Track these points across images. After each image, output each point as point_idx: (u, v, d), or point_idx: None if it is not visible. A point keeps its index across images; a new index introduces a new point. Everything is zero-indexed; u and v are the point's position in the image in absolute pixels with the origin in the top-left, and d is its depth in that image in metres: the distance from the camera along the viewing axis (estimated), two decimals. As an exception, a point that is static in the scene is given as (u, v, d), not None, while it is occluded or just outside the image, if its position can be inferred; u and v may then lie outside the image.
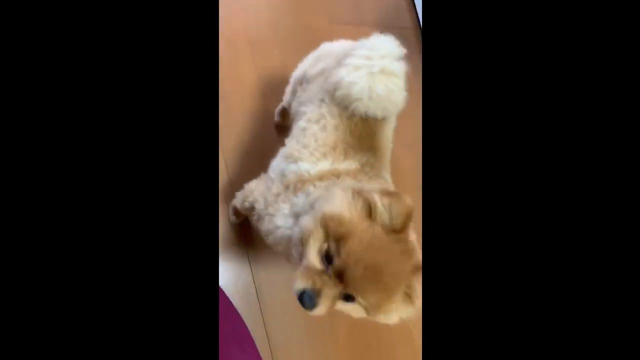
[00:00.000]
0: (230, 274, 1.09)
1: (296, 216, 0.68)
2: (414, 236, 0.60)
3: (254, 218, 0.82)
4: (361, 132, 0.77)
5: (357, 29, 1.57)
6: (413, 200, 0.59)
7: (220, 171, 1.15)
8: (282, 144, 0.86)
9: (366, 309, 0.58)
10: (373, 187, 0.66)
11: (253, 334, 0.74)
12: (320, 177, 0.72)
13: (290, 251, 0.67)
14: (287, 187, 0.75)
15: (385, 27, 1.06)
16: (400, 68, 0.77)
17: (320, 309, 0.57)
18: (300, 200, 0.71)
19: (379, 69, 0.74)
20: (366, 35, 0.82)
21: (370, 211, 0.57)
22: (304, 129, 0.81)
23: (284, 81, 1.32)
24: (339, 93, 0.77)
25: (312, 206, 0.64)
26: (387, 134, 0.83)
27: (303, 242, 0.60)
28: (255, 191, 0.84)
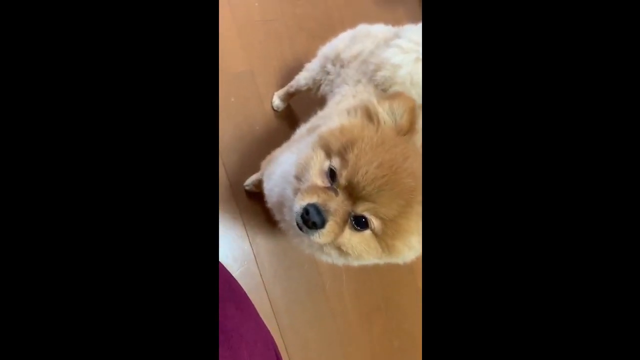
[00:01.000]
0: (228, 244, 1.06)
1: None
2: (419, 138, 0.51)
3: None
4: None
5: (341, -23, 1.48)
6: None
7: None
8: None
9: (382, 236, 0.48)
10: (368, 98, 0.61)
11: (255, 301, 0.72)
12: None
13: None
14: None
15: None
16: None
17: (330, 230, 0.48)
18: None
19: None
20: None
21: (372, 118, 0.51)
22: (338, 103, 0.76)
23: (266, 37, 1.25)
24: (381, 74, 0.72)
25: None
26: None
27: (301, 170, 0.51)
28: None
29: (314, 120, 0.77)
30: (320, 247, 0.56)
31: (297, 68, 1.29)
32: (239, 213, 1.08)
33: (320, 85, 0.95)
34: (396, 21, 1.56)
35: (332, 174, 0.50)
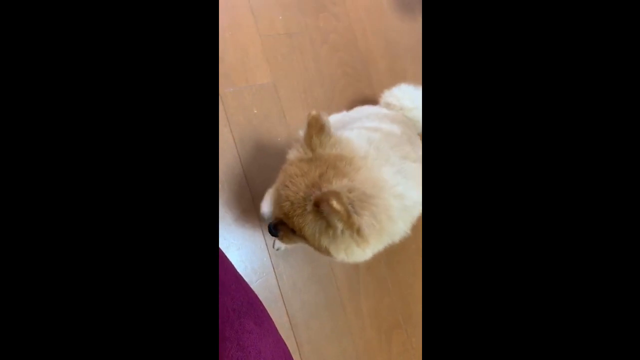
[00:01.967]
0: (247, 255, 1.06)
1: None
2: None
3: None
4: None
5: (365, -10, 1.48)
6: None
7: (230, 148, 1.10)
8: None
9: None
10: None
11: (273, 314, 0.72)
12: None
13: None
14: None
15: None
16: None
17: (282, 237, 0.71)
18: None
19: None
20: None
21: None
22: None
23: (290, 50, 1.26)
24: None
25: None
26: None
27: None
28: None
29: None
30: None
31: (319, 81, 1.29)
32: (259, 224, 1.08)
33: None
34: (418, 32, 1.56)
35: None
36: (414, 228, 1.35)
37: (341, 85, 1.33)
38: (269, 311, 0.74)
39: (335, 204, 0.54)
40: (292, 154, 0.68)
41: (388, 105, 1.07)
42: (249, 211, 1.07)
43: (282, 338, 0.71)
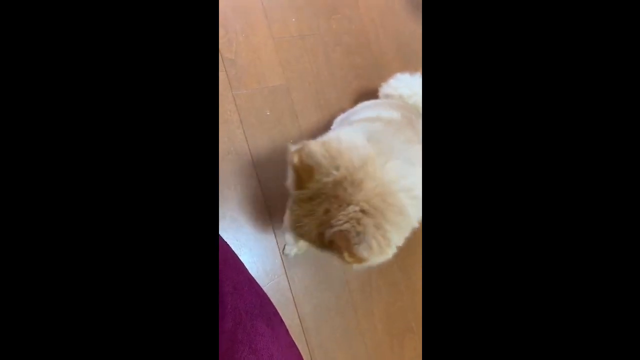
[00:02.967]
0: (259, 256, 1.06)
1: None
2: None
3: None
4: None
5: (378, -8, 1.48)
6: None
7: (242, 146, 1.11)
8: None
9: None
10: None
11: (284, 317, 0.71)
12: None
13: None
14: None
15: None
16: None
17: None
18: None
19: None
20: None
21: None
22: None
23: (302, 52, 1.26)
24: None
25: None
26: None
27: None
28: None
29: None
30: None
31: (331, 83, 1.29)
32: (272, 225, 1.08)
33: None
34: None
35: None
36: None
37: (353, 88, 1.32)
38: (280, 313, 0.74)
39: (345, 249, 0.59)
40: (290, 185, 0.67)
41: (387, 97, 1.08)
42: (261, 213, 1.07)
43: (293, 341, 0.70)
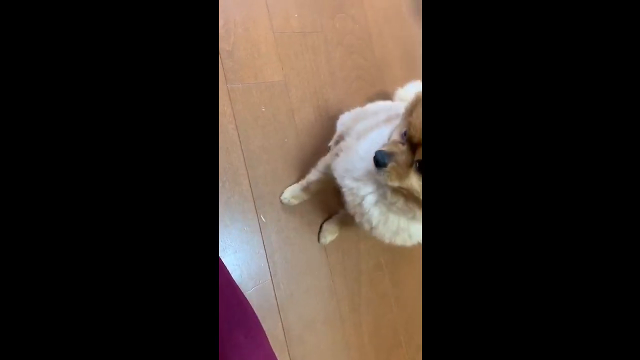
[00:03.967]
0: (243, 259, 1.00)
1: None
2: None
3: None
4: None
5: (384, -6, 1.44)
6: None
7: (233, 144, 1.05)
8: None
9: None
10: None
11: (266, 325, 0.66)
12: None
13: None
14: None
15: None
16: None
17: (390, 170, 0.63)
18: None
19: None
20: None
21: None
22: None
23: (303, 49, 1.22)
24: None
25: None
26: None
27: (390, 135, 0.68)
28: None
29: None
30: (387, 195, 0.71)
31: (331, 83, 1.25)
32: (259, 228, 1.02)
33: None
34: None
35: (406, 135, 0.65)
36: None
37: (354, 89, 1.28)
38: (262, 321, 0.68)
39: None
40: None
41: (402, 100, 1.07)
42: (249, 213, 1.02)
43: (273, 352, 0.65)
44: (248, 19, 1.15)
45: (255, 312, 0.71)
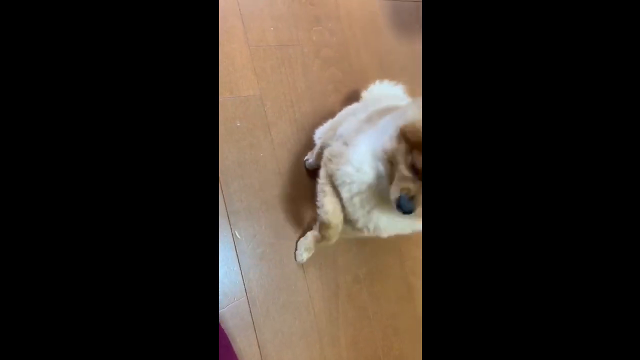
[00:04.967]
0: (219, 276, 0.99)
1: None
2: None
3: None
4: None
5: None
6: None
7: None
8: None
9: None
10: None
11: (241, 343, 0.64)
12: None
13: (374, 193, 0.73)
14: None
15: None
16: None
17: (418, 211, 0.63)
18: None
19: None
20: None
21: None
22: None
23: (279, 62, 1.21)
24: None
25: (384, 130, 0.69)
26: None
27: (392, 157, 0.66)
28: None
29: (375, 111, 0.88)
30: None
31: (308, 96, 1.25)
32: (233, 244, 1.01)
33: None
34: (415, 53, 1.53)
35: (414, 168, 0.63)
36: (397, 254, 1.29)
37: (331, 102, 1.28)
38: (238, 340, 0.67)
39: None
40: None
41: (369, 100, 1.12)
42: (223, 229, 1.00)
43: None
44: (223, 32, 1.15)
45: (230, 329, 0.69)
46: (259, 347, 0.99)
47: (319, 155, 1.05)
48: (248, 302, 1.00)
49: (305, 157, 1.14)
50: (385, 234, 0.80)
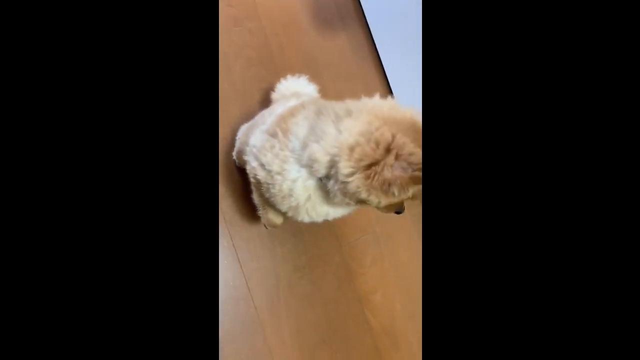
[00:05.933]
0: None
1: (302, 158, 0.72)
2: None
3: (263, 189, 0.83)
4: None
5: None
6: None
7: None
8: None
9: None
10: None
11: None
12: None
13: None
14: (274, 134, 0.76)
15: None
16: None
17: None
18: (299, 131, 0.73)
19: None
20: None
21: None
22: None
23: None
24: None
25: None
26: None
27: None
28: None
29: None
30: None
31: (234, 97, 1.27)
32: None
33: None
34: (339, 49, 1.59)
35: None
36: (334, 240, 1.34)
37: (256, 100, 1.31)
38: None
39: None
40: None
41: (282, 97, 1.16)
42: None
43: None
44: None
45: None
46: (199, 345, 1.00)
47: (240, 155, 1.08)
48: (185, 302, 1.01)
49: (234, 157, 1.17)
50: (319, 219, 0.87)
